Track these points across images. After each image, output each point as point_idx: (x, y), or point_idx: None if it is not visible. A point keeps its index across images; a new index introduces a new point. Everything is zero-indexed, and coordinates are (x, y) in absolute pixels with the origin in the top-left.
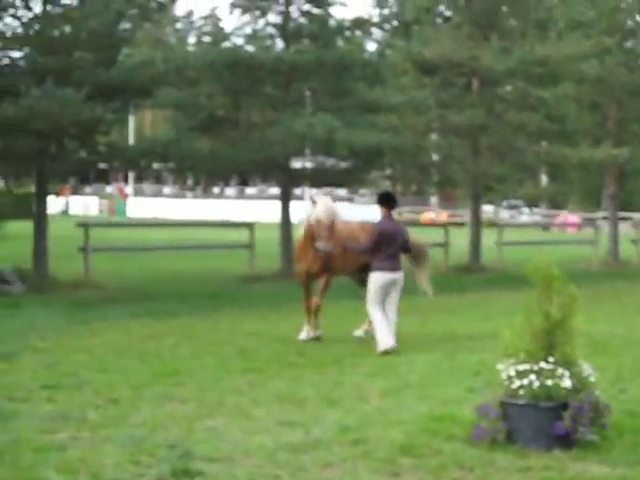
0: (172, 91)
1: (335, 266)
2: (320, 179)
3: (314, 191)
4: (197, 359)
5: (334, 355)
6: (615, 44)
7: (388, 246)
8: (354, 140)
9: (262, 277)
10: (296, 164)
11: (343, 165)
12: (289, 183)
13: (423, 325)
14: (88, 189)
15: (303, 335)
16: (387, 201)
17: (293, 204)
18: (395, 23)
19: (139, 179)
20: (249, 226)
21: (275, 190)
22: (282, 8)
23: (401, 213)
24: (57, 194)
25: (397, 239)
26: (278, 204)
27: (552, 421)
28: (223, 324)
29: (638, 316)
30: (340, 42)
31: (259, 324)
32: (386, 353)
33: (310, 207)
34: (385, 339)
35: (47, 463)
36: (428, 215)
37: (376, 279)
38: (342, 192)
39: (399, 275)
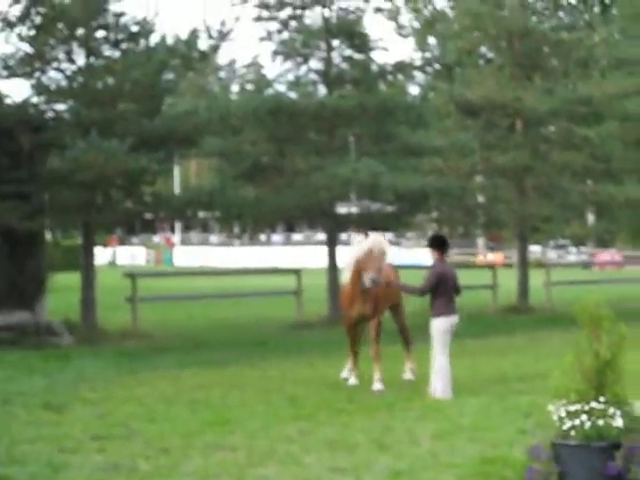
0: (216, 140)
1: (382, 307)
2: (366, 223)
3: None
4: (246, 407)
5: (384, 400)
6: None
7: (445, 289)
8: (398, 184)
9: (310, 324)
10: (341, 209)
11: (389, 209)
12: (335, 228)
13: (473, 367)
14: (135, 239)
15: (376, 386)
16: (440, 244)
17: (339, 249)
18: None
19: (186, 228)
20: (296, 272)
21: (321, 236)
22: (324, 54)
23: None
24: (104, 245)
25: (451, 281)
26: (324, 250)
27: (605, 461)
28: (272, 372)
29: None
30: (382, 86)
31: (308, 371)
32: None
33: (357, 245)
34: (447, 389)
35: None
36: (483, 257)
37: (442, 324)
38: (389, 236)
39: (457, 318)
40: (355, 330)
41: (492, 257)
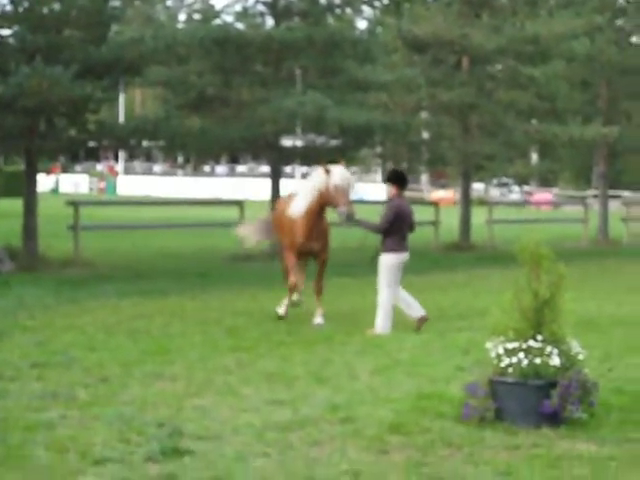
0: (162, 69)
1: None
2: (310, 157)
3: (304, 169)
4: (186, 338)
5: (324, 334)
6: (606, 22)
7: (401, 226)
8: (344, 118)
9: (252, 256)
10: (286, 142)
11: (333, 143)
12: (279, 161)
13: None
14: (78, 167)
15: (282, 310)
16: (398, 179)
17: (283, 182)
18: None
19: (130, 157)
20: (239, 204)
21: (265, 168)
22: None
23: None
24: (47, 172)
25: (407, 218)
26: (268, 182)
27: (541, 399)
28: (213, 303)
29: (627, 294)
30: (330, 20)
31: (249, 303)
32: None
33: (317, 177)
34: (387, 325)
35: (36, 442)
36: (438, 194)
37: (392, 260)
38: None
39: (408, 255)
40: (298, 261)
41: (442, 194)
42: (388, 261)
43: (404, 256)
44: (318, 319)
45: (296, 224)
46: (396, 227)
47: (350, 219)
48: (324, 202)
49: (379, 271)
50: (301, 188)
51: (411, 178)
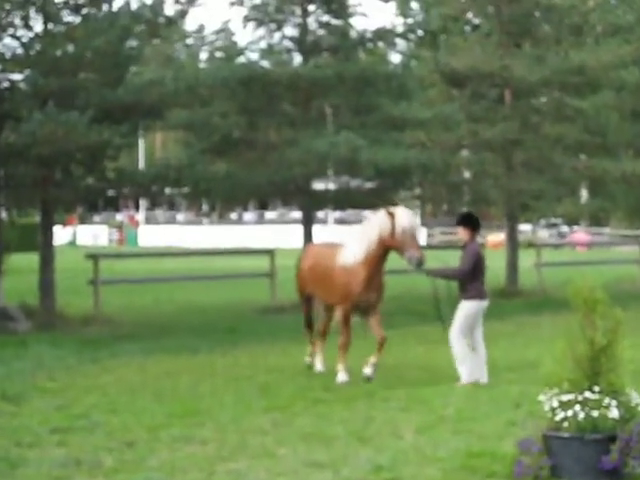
0: (183, 111)
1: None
2: (344, 201)
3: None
4: (217, 397)
5: (364, 389)
6: None
7: (480, 271)
8: (379, 159)
9: (283, 308)
10: (318, 186)
11: (369, 185)
12: (311, 206)
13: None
14: (97, 218)
15: (343, 377)
16: (472, 222)
17: (316, 228)
18: (420, 33)
19: (151, 206)
20: (270, 253)
21: (296, 214)
22: (299, 20)
23: (432, 235)
24: (64, 224)
25: (484, 263)
26: (299, 229)
27: (599, 455)
28: (243, 359)
29: None
30: (362, 55)
31: (281, 358)
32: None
33: (374, 221)
34: (474, 372)
35: None
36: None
37: (474, 308)
38: (368, 214)
39: (488, 302)
40: (350, 315)
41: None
42: (470, 309)
43: (485, 303)
44: (368, 370)
45: (353, 273)
46: (477, 272)
47: (422, 265)
48: (386, 248)
49: (456, 318)
50: (356, 233)
51: (452, 220)
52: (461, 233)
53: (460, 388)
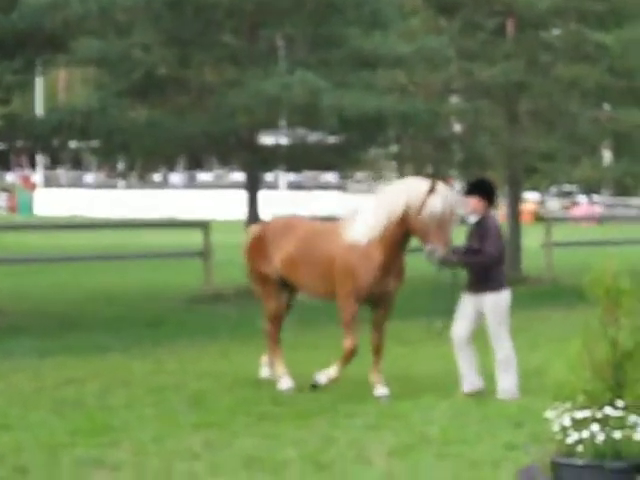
0: (94, 42)
1: None
2: (300, 160)
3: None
4: (134, 411)
5: (322, 402)
6: None
7: (503, 253)
8: (345, 105)
9: (222, 296)
10: (267, 140)
11: (332, 140)
12: (257, 166)
13: (445, 358)
14: None
15: (322, 379)
16: (488, 191)
17: (263, 195)
18: None
19: (52, 164)
20: (203, 226)
21: (238, 176)
22: None
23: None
24: None
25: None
26: (242, 195)
27: None
28: (169, 362)
29: None
30: None
31: (219, 362)
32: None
33: (401, 192)
34: (515, 386)
35: None
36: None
37: (506, 298)
38: (331, 177)
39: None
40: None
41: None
42: (503, 300)
43: (509, 292)
44: (381, 389)
45: (366, 255)
46: (503, 255)
47: (445, 263)
48: (409, 230)
49: (491, 318)
50: (371, 204)
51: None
52: (474, 205)
53: (499, 402)
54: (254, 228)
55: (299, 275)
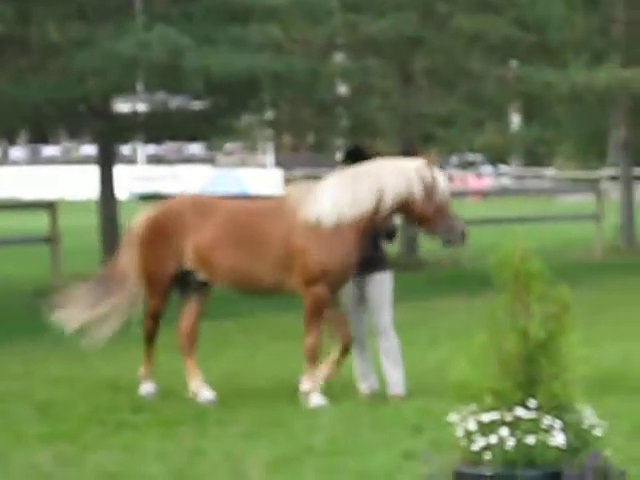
0: None
1: None
2: (160, 129)
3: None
4: None
5: (191, 407)
6: None
7: None
8: (212, 66)
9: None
10: (122, 107)
11: (197, 106)
12: (112, 137)
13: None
14: None
15: (307, 386)
16: (363, 159)
17: (120, 170)
18: None
19: None
20: (49, 207)
21: (89, 149)
22: None
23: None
24: None
25: None
26: (95, 171)
27: None
28: (11, 366)
29: None
30: None
31: (71, 365)
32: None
33: (393, 169)
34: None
35: None
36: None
37: (392, 280)
38: (197, 149)
39: None
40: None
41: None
42: (389, 281)
43: None
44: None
45: (334, 237)
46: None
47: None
48: (411, 216)
49: (377, 301)
50: (340, 183)
51: (321, 158)
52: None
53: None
54: (150, 211)
55: (225, 265)
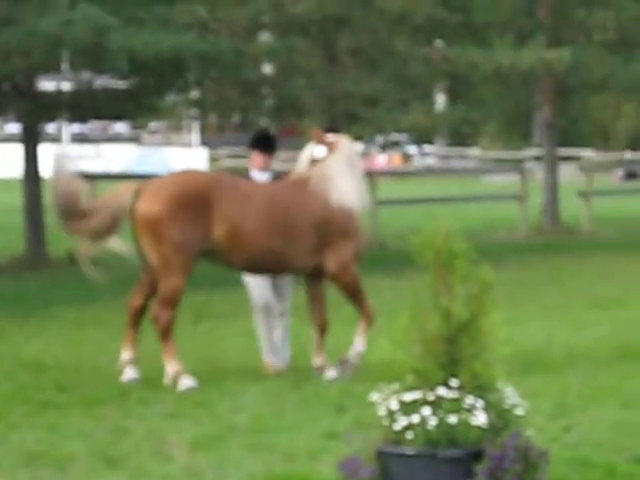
0: None
1: None
2: (85, 108)
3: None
4: None
5: (114, 386)
6: None
7: None
8: (137, 45)
9: None
10: (46, 85)
11: (122, 85)
12: (36, 115)
13: (251, 334)
14: None
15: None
16: (273, 145)
17: (43, 149)
18: None
19: None
20: None
21: (13, 128)
22: None
23: (217, 159)
24: None
25: None
26: (18, 149)
27: (458, 478)
28: None
29: (588, 312)
30: None
31: None
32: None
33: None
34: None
35: None
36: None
37: None
38: (122, 128)
39: None
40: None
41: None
42: None
43: None
44: (329, 371)
45: (353, 218)
46: None
47: None
48: None
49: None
50: (346, 168)
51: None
52: (264, 160)
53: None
54: (153, 189)
55: (258, 246)
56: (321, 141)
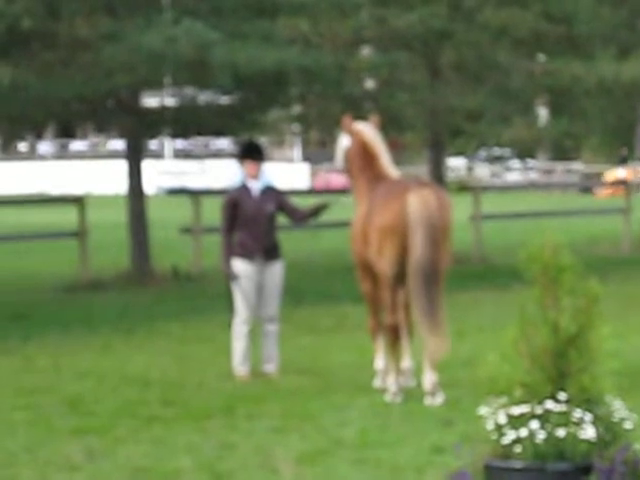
0: None
1: None
2: (188, 124)
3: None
4: (0, 416)
5: (220, 401)
6: None
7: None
8: (240, 60)
9: (101, 283)
10: (150, 101)
11: (225, 101)
12: (139, 132)
13: (360, 349)
14: None
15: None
16: (261, 155)
17: (147, 165)
18: None
19: None
20: (78, 202)
21: (117, 144)
22: None
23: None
24: None
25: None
26: (122, 165)
27: None
28: (41, 360)
29: None
30: None
31: (101, 359)
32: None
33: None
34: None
35: None
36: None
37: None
38: (224, 144)
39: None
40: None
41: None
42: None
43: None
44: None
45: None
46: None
47: None
48: None
49: (279, 287)
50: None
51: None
52: (253, 169)
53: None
54: (431, 195)
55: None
56: (349, 130)
